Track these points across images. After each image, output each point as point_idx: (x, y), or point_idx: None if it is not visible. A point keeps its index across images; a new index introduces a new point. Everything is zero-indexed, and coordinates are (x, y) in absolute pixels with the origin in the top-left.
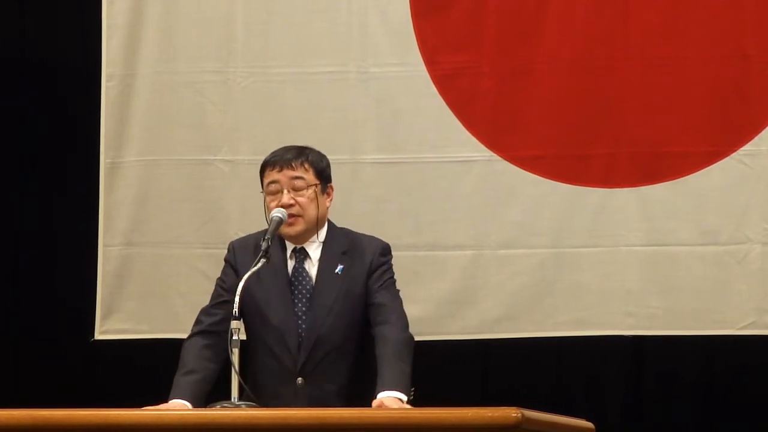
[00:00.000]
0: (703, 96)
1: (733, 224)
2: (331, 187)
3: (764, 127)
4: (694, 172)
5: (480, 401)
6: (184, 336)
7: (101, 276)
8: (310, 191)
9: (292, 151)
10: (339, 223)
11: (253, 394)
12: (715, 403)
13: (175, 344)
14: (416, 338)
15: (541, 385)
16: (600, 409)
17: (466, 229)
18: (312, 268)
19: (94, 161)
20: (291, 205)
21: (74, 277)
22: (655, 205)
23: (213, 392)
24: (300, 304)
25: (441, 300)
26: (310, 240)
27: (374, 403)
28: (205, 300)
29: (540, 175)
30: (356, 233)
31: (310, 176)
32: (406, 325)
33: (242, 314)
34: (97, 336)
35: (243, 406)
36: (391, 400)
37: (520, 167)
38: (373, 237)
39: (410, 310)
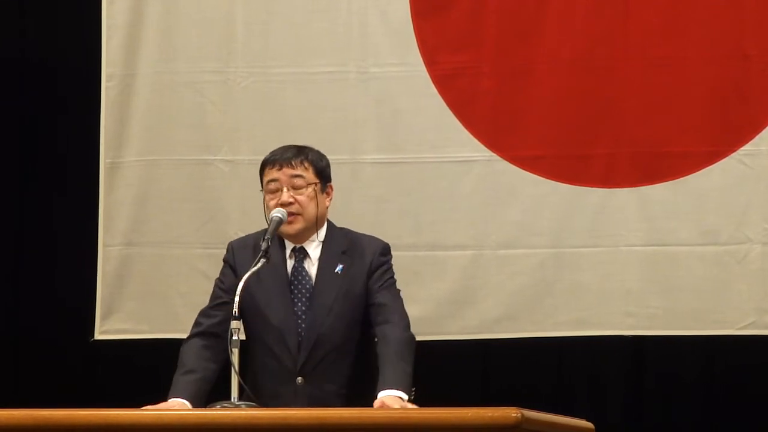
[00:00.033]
0: (703, 96)
1: (733, 224)
2: (331, 187)
3: (764, 127)
4: (694, 172)
5: (480, 401)
6: (184, 336)
7: (101, 276)
8: (310, 190)
9: (292, 149)
10: (339, 223)
11: (253, 394)
12: (715, 403)
13: (175, 344)
14: (416, 338)
15: (541, 385)
16: (600, 409)
17: (466, 229)
18: (312, 267)
19: (94, 161)
20: (290, 203)
21: (74, 277)
22: (655, 205)
23: (213, 392)
24: (300, 304)
25: (441, 300)
26: (309, 239)
27: (375, 402)
28: (205, 300)
29: (540, 175)
30: (356, 233)
31: (309, 175)
32: (408, 325)
33: (242, 314)
34: (97, 336)
35: (243, 406)
36: (392, 398)
37: (520, 167)
38: (373, 237)
39: (410, 310)
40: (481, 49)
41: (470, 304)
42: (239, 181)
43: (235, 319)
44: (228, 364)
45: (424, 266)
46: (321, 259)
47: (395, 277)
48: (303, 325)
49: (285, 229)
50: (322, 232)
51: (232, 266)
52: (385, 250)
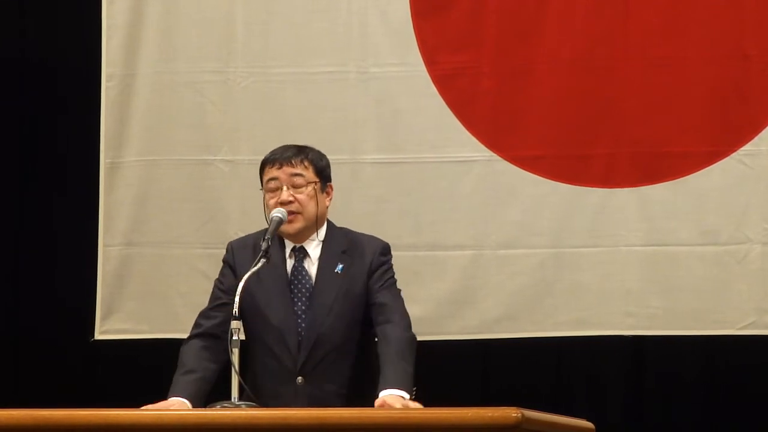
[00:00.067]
0: (703, 96)
1: (733, 224)
2: (331, 187)
3: (764, 127)
4: (694, 172)
5: (480, 401)
6: (184, 336)
7: (101, 276)
8: (310, 188)
9: (292, 149)
10: (339, 223)
11: (253, 394)
12: (715, 403)
13: (176, 344)
14: (417, 338)
15: (541, 385)
16: (600, 409)
17: (466, 229)
18: (312, 267)
19: (94, 161)
20: (290, 202)
21: (74, 277)
22: (655, 205)
23: (213, 392)
24: (300, 303)
25: (441, 300)
26: (309, 239)
27: (376, 402)
28: (205, 300)
29: (540, 175)
30: (356, 233)
31: (309, 174)
32: (409, 325)
33: (242, 314)
34: (97, 336)
35: (243, 406)
36: (393, 397)
37: (520, 167)
38: (373, 236)
39: (410, 310)
40: (481, 49)
41: (470, 304)
42: (239, 181)
43: (235, 319)
44: (228, 364)
45: (424, 266)
46: (321, 258)
47: (395, 276)
48: (303, 325)
49: (285, 228)
50: (322, 232)
51: (231, 266)
52: (385, 250)
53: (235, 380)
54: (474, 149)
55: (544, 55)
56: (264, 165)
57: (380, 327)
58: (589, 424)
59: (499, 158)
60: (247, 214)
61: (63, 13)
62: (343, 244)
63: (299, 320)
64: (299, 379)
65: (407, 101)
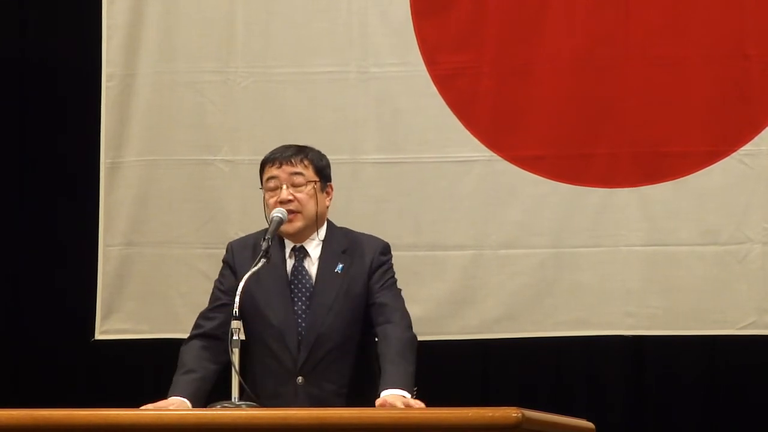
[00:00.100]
0: (703, 96)
1: (733, 224)
2: (331, 187)
3: (764, 127)
4: (695, 172)
5: (480, 401)
6: (184, 336)
7: (101, 276)
8: (309, 188)
9: (292, 148)
10: (339, 223)
11: (253, 394)
12: (715, 403)
13: (175, 344)
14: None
15: (541, 385)
16: (600, 409)
17: (466, 229)
18: (312, 266)
19: (94, 161)
20: (289, 201)
21: (74, 277)
22: (656, 204)
23: (213, 392)
24: (300, 303)
25: (441, 300)
26: (309, 238)
27: (377, 402)
28: (205, 300)
29: (540, 175)
30: (356, 232)
31: (309, 173)
32: (410, 325)
33: (242, 314)
34: (97, 336)
35: (243, 406)
36: (394, 397)
37: (520, 167)
38: (373, 236)
39: (410, 310)
40: (482, 48)
41: (470, 304)
42: (239, 181)
43: (236, 319)
44: (228, 365)
45: (424, 266)
46: (321, 258)
47: (396, 276)
48: (303, 325)
49: (285, 227)
50: (322, 231)
51: (231, 267)
52: (386, 250)
53: (235, 380)
54: (474, 149)
55: (544, 55)
56: (264, 164)
57: (381, 327)
58: (589, 424)
59: (500, 158)
60: (247, 214)
61: (63, 13)
62: (344, 243)
63: (299, 320)
64: (299, 378)
65: (407, 101)
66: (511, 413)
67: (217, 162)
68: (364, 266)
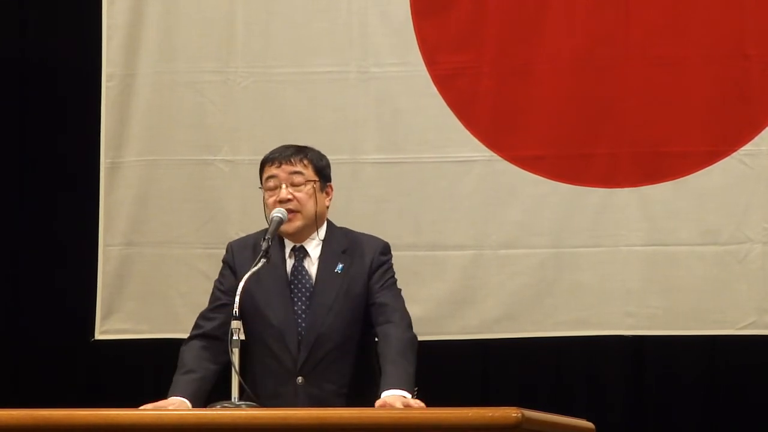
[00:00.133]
0: (703, 96)
1: (733, 224)
2: (331, 187)
3: (764, 127)
4: (695, 171)
5: (480, 401)
6: (185, 336)
7: (101, 276)
8: (309, 187)
9: (292, 148)
10: (339, 223)
11: (253, 394)
12: (715, 403)
13: (175, 344)
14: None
15: (541, 385)
16: (600, 409)
17: (466, 229)
18: (312, 266)
19: (94, 161)
20: (289, 200)
21: (74, 277)
22: (656, 204)
23: (213, 392)
24: (300, 303)
25: (441, 300)
26: (309, 238)
27: (378, 402)
28: (205, 300)
29: (540, 175)
30: (356, 232)
31: (309, 172)
32: (410, 325)
33: (242, 314)
34: (97, 336)
35: (243, 406)
36: (394, 397)
37: (520, 167)
38: (373, 236)
39: (410, 310)
40: (481, 49)
41: (470, 304)
42: (239, 181)
43: (236, 319)
44: (228, 365)
45: (424, 266)
46: (321, 258)
47: (396, 276)
48: (303, 325)
49: (284, 227)
50: (322, 231)
51: (231, 267)
52: (386, 249)
53: (235, 380)
54: (474, 149)
55: (544, 55)
56: (264, 164)
57: (381, 327)
58: (589, 424)
59: (500, 158)
60: (247, 214)
61: (63, 13)
62: (343, 243)
63: (299, 320)
64: (299, 378)
65: (407, 101)
66: (511, 413)
67: (217, 162)
68: (364, 266)
